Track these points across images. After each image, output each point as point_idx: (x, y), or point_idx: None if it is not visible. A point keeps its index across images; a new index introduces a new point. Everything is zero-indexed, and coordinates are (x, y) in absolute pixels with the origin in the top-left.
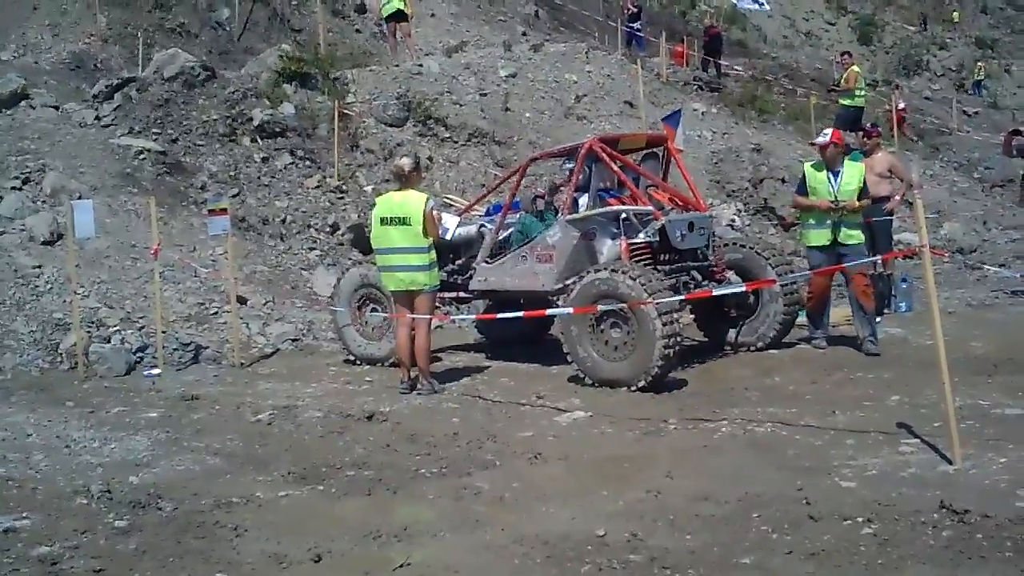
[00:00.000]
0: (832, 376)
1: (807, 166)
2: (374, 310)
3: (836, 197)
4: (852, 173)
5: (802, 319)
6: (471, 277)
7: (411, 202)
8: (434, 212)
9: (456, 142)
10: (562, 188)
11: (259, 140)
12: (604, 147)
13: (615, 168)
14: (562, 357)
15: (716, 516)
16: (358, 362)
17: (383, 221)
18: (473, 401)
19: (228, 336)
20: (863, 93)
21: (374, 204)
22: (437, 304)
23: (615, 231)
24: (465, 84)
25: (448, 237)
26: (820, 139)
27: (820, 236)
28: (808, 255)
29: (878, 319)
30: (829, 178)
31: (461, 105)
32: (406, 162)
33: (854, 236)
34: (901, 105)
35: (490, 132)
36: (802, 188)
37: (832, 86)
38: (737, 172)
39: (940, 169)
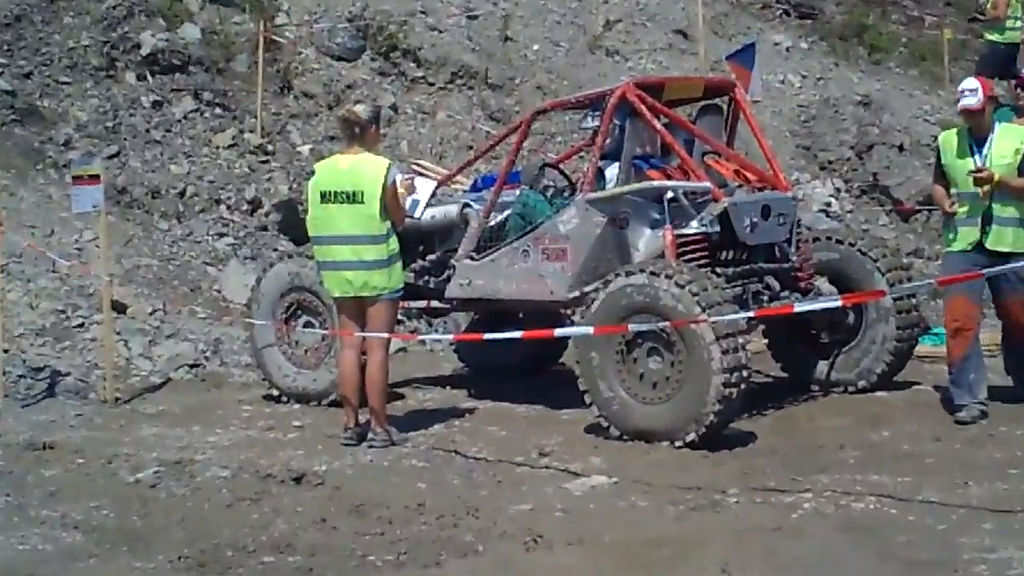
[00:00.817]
0: (965, 431)
1: (943, 136)
2: (309, 325)
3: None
4: (1008, 141)
5: (930, 348)
6: (449, 279)
7: (365, 170)
8: (399, 185)
9: (432, 84)
10: (583, 154)
11: (149, 77)
12: (643, 96)
13: (658, 126)
14: (577, 397)
15: None
16: (284, 399)
17: (325, 197)
18: (448, 458)
19: (98, 359)
20: (1016, 24)
21: (312, 173)
22: (400, 317)
23: (657, 217)
24: (447, 1)
25: (417, 216)
26: (967, 99)
27: (963, 237)
28: (943, 264)
29: None
30: (972, 148)
31: (440, 32)
32: (360, 111)
33: (1009, 238)
34: None
35: (481, 71)
36: (939, 170)
37: (975, 14)
38: (836, 135)
39: None
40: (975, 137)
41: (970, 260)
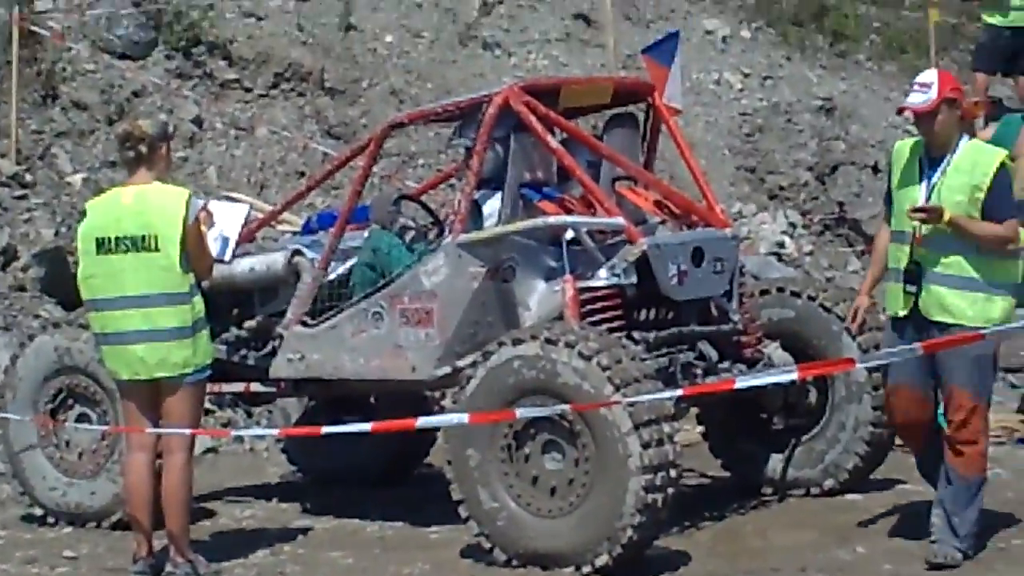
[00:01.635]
0: None
1: (897, 146)
2: (84, 419)
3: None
4: (966, 164)
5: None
6: (274, 352)
7: (157, 205)
8: (202, 221)
9: (249, 90)
10: (453, 182)
11: None
12: (533, 103)
13: (553, 144)
14: (450, 510)
15: None
16: (51, 519)
17: (104, 245)
18: None
19: None
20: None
21: (84, 213)
22: (208, 406)
23: (553, 265)
24: None
25: (227, 259)
26: (912, 97)
27: (892, 299)
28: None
29: None
30: (922, 170)
31: (260, 20)
32: (146, 126)
33: (953, 303)
34: None
35: (316, 72)
36: (888, 198)
37: None
38: (790, 152)
39: None
40: (930, 155)
41: (902, 331)
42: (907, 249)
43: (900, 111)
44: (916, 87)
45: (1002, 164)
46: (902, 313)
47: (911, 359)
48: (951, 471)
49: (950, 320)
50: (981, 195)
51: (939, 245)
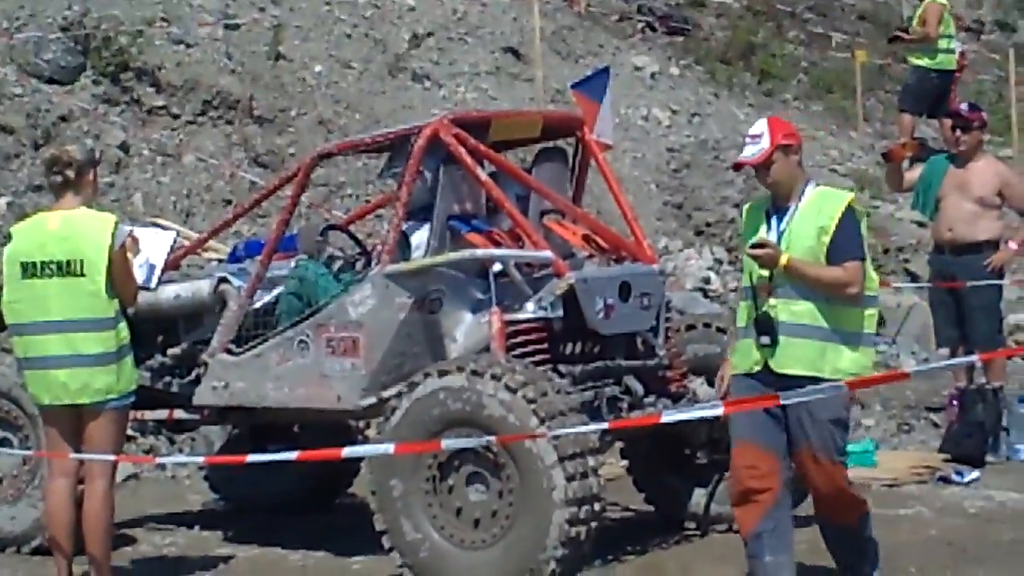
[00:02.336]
0: None
1: (746, 208)
2: (4, 444)
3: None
4: (812, 210)
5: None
6: (199, 380)
7: (84, 230)
8: (128, 247)
9: (177, 117)
10: (380, 212)
11: None
12: (462, 135)
13: (482, 176)
14: (373, 540)
15: None
16: None
17: (28, 270)
18: None
19: None
20: (951, 46)
21: (9, 237)
22: (130, 432)
23: (480, 297)
24: (198, 5)
25: (153, 286)
26: (745, 150)
27: (743, 353)
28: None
29: (974, 474)
30: (769, 222)
31: (189, 47)
32: (73, 151)
33: (805, 354)
34: None
35: (244, 100)
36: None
37: (898, 31)
38: (717, 189)
39: None
40: (776, 206)
41: (756, 388)
42: (754, 304)
43: (736, 167)
44: (748, 139)
45: (849, 207)
46: (756, 369)
47: (758, 416)
48: (833, 528)
49: (802, 372)
50: (827, 239)
51: (787, 294)
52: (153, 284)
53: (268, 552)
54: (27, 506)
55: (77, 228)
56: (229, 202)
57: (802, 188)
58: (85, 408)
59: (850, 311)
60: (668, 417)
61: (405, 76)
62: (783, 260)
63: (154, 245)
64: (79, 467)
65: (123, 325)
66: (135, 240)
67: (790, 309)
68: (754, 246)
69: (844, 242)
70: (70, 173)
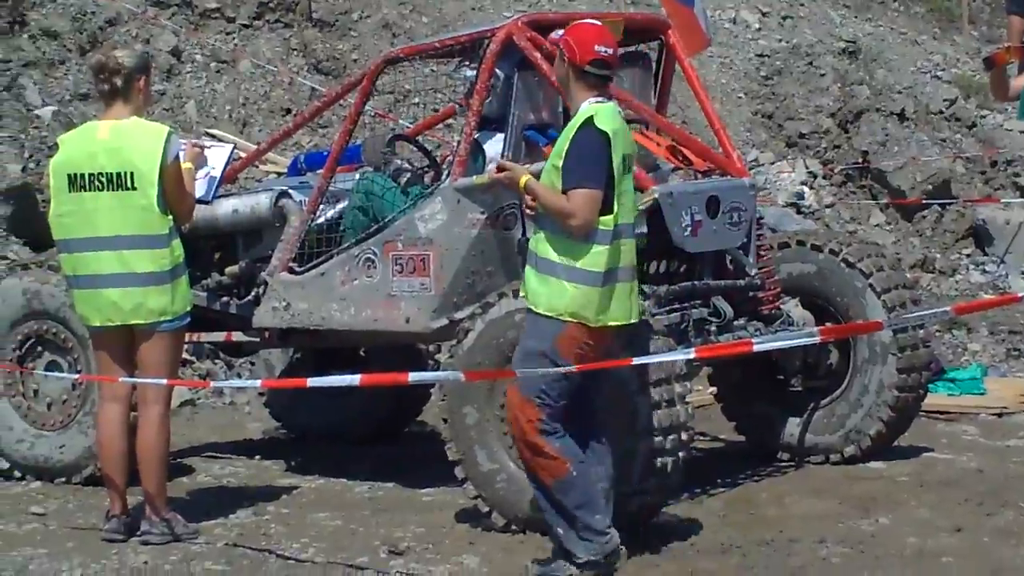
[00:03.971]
0: (997, 517)
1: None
2: (53, 367)
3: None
4: (564, 132)
5: (946, 399)
6: (258, 300)
7: (135, 142)
8: (183, 160)
9: (232, 20)
10: (452, 121)
11: None
12: (538, 39)
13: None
14: (444, 471)
15: None
16: (17, 474)
17: (76, 182)
18: (258, 559)
19: None
20: None
21: (56, 147)
22: (186, 356)
23: None
24: None
25: (210, 199)
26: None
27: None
28: None
29: None
30: None
31: None
32: (122, 57)
33: (532, 287)
34: None
35: (303, 2)
36: None
37: None
38: (810, 97)
39: None
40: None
41: None
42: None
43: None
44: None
45: (585, 124)
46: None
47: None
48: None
49: (530, 306)
50: (560, 161)
51: (537, 223)
52: (210, 196)
53: (333, 483)
54: (77, 433)
55: (128, 139)
56: (288, 111)
57: (580, 104)
58: (137, 329)
59: (574, 244)
60: (762, 345)
61: None
62: (521, 181)
63: (212, 158)
64: (132, 392)
65: (177, 243)
66: (199, 151)
67: (535, 237)
68: (498, 168)
69: (570, 166)
70: (118, 81)
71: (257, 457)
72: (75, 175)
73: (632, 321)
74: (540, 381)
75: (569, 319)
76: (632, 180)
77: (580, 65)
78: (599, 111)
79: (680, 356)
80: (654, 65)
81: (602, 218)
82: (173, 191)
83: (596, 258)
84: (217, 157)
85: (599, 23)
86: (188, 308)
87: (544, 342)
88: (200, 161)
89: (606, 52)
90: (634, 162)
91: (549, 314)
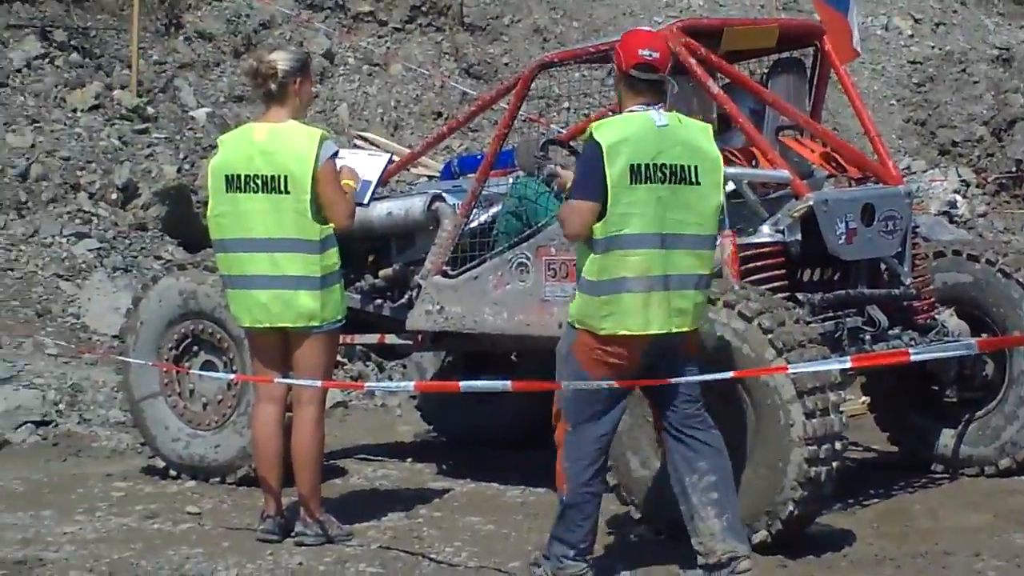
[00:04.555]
0: None
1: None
2: (209, 367)
3: None
4: None
5: None
6: (411, 304)
7: (290, 145)
8: (343, 176)
9: (384, 24)
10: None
11: None
12: (692, 45)
13: (714, 88)
14: None
15: None
16: (173, 473)
17: (233, 183)
18: (411, 562)
19: None
20: None
21: (214, 148)
22: (340, 358)
23: None
24: None
25: (365, 202)
26: None
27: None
28: None
29: None
30: None
31: None
32: (279, 61)
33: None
34: None
35: (455, 6)
36: None
37: None
38: (963, 105)
39: None
40: None
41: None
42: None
43: None
44: None
45: (588, 135)
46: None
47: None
48: None
49: None
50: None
51: None
52: (366, 200)
53: (485, 487)
54: (232, 433)
55: (282, 142)
56: (439, 115)
57: (625, 112)
58: (291, 332)
59: (586, 255)
60: (918, 355)
61: None
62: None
63: (369, 165)
64: (287, 393)
65: (333, 251)
66: (351, 171)
67: None
68: (549, 175)
69: (575, 178)
70: (272, 85)
71: (409, 460)
72: (232, 176)
73: (661, 332)
74: (566, 389)
75: (579, 326)
76: (663, 188)
77: (626, 70)
78: (604, 123)
79: (836, 365)
80: (808, 71)
81: (594, 227)
82: (326, 194)
83: (592, 266)
84: (374, 165)
85: (652, 30)
86: (340, 316)
87: (563, 346)
88: (351, 178)
89: (651, 56)
90: (663, 169)
91: (569, 320)
